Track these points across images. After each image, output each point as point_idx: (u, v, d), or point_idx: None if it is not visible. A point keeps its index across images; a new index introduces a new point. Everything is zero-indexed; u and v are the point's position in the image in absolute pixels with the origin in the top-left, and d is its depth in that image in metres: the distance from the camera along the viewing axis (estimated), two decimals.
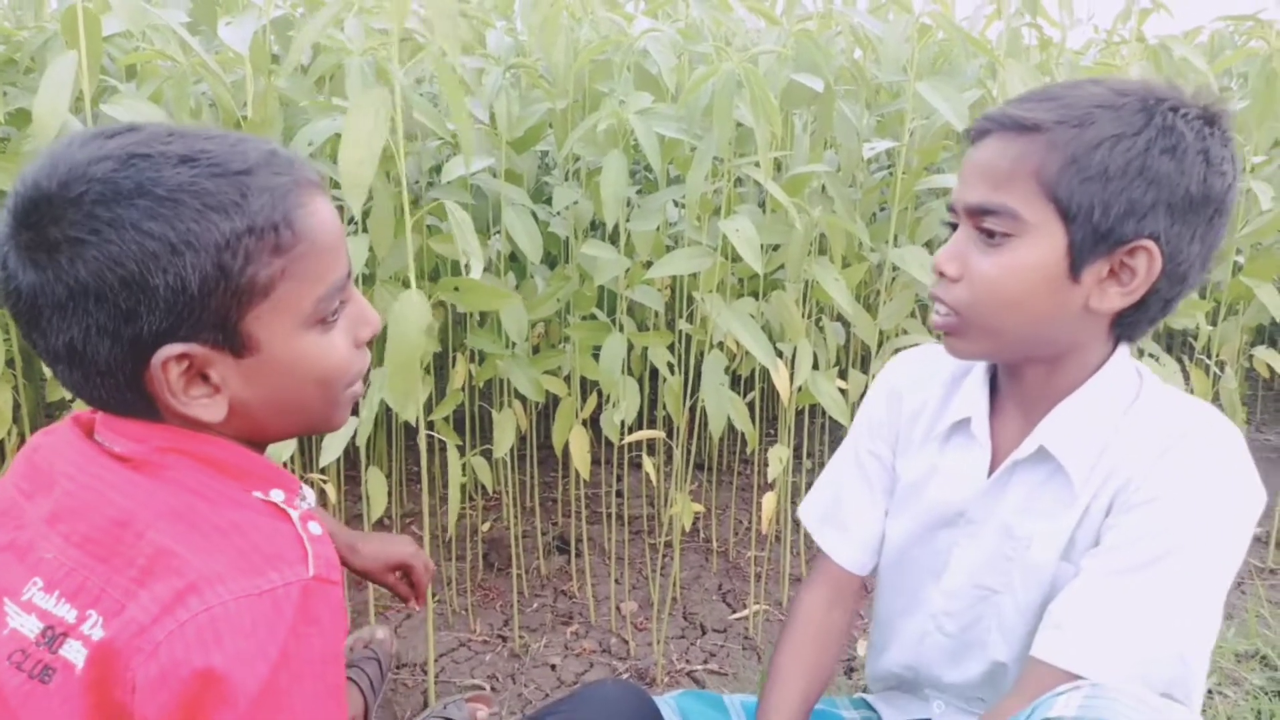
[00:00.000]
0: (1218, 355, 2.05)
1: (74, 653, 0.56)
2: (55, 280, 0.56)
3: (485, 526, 2.17)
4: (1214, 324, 2.04)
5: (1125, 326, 0.81)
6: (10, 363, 1.39)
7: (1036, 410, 0.84)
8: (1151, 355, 1.84)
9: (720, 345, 1.75)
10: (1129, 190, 0.73)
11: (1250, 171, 1.91)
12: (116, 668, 0.54)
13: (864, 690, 1.13)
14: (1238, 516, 0.76)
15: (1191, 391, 1.96)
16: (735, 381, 2.35)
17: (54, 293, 0.56)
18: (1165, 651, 0.75)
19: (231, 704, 0.53)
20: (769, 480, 1.61)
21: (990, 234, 0.78)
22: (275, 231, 0.59)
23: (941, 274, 0.81)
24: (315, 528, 0.62)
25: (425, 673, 1.63)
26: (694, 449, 1.82)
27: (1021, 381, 0.86)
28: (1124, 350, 0.83)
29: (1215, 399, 2.04)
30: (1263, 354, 2.05)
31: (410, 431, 2.27)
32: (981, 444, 0.88)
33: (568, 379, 1.69)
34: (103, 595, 0.56)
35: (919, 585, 0.95)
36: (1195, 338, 2.13)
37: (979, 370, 0.91)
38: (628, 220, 1.52)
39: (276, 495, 0.63)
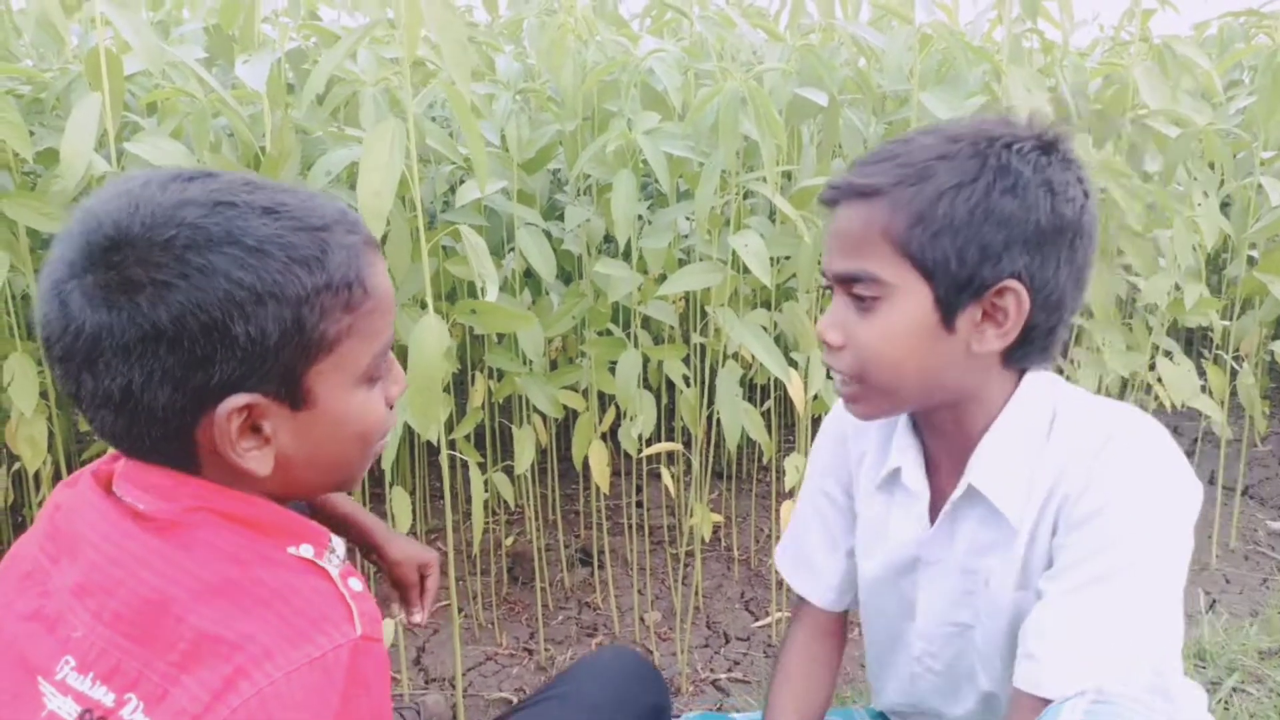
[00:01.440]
0: (1234, 351, 2.05)
1: None
2: (129, 322, 0.55)
3: (509, 541, 2.20)
4: (1232, 319, 2.04)
5: (1016, 359, 0.81)
6: (44, 394, 1.43)
7: (961, 451, 0.85)
8: (1167, 353, 1.84)
9: (735, 356, 1.77)
10: (979, 236, 0.74)
11: (1261, 166, 1.92)
12: None
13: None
14: (1176, 514, 0.77)
15: (1207, 388, 1.96)
16: (752, 390, 2.37)
17: (123, 335, 0.55)
18: (1135, 663, 0.76)
19: None
20: (787, 488, 1.63)
21: (860, 298, 0.79)
22: (349, 289, 0.60)
23: (826, 344, 0.83)
24: (356, 584, 0.61)
25: (453, 687, 1.65)
26: (712, 458, 1.84)
27: (937, 428, 0.87)
28: (1030, 379, 0.83)
29: (1232, 395, 2.04)
30: None
31: (432, 448, 2.30)
32: (915, 493, 0.89)
33: (585, 393, 1.72)
34: (141, 678, 0.55)
35: (897, 628, 0.96)
36: (1213, 333, 2.14)
37: (903, 420, 0.91)
38: (640, 237, 1.55)
39: (306, 550, 0.62)
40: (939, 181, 0.75)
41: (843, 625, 1.05)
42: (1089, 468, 0.77)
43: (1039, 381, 0.83)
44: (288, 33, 1.51)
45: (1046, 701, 0.76)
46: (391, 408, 0.69)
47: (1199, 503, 0.79)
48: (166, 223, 0.56)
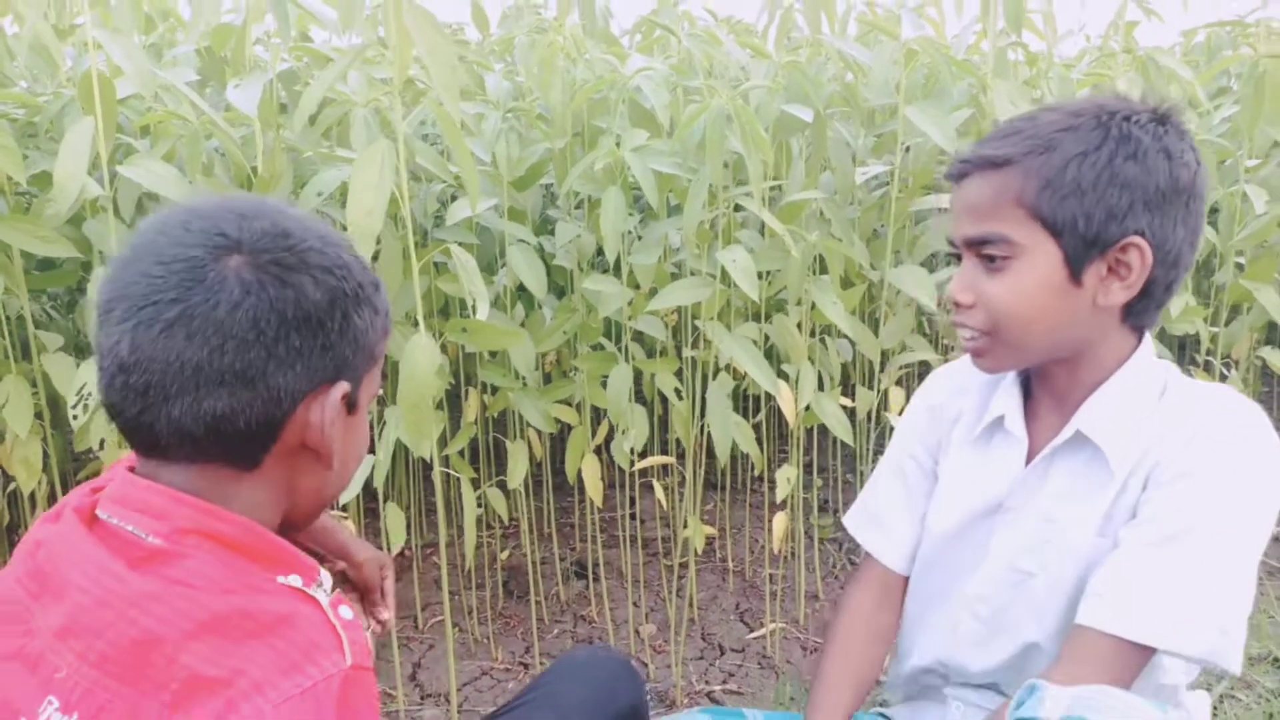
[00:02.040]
0: (1222, 356, 2.06)
1: None
2: (293, 300, 0.61)
3: (504, 555, 2.21)
4: (1224, 325, 2.05)
5: (1136, 314, 0.87)
6: (39, 415, 1.44)
7: (1068, 403, 0.90)
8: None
9: (727, 368, 1.79)
10: (1105, 198, 0.81)
11: (1245, 174, 1.93)
12: None
13: (881, 704, 1.16)
14: (1264, 489, 0.82)
15: None
16: (745, 401, 2.38)
17: (281, 311, 0.60)
18: (1202, 618, 0.79)
19: None
20: (779, 499, 1.64)
21: (991, 259, 0.86)
22: (388, 317, 0.70)
23: (958, 304, 0.89)
24: (346, 612, 0.62)
25: (449, 702, 1.66)
26: (705, 470, 1.85)
27: (1050, 380, 0.92)
28: (1148, 343, 0.89)
29: None
30: (1270, 355, 2.06)
31: (426, 464, 2.31)
32: (1017, 438, 0.94)
33: (579, 407, 1.73)
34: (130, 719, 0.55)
35: (955, 578, 0.99)
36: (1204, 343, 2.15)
37: (1010, 375, 0.97)
38: (630, 253, 1.56)
39: (294, 580, 0.63)
40: (1066, 150, 0.81)
41: (903, 593, 1.06)
42: (1188, 437, 0.82)
43: (1154, 355, 0.89)
44: (279, 54, 1.53)
45: (1106, 636, 0.79)
46: None
47: None
48: (313, 225, 0.65)
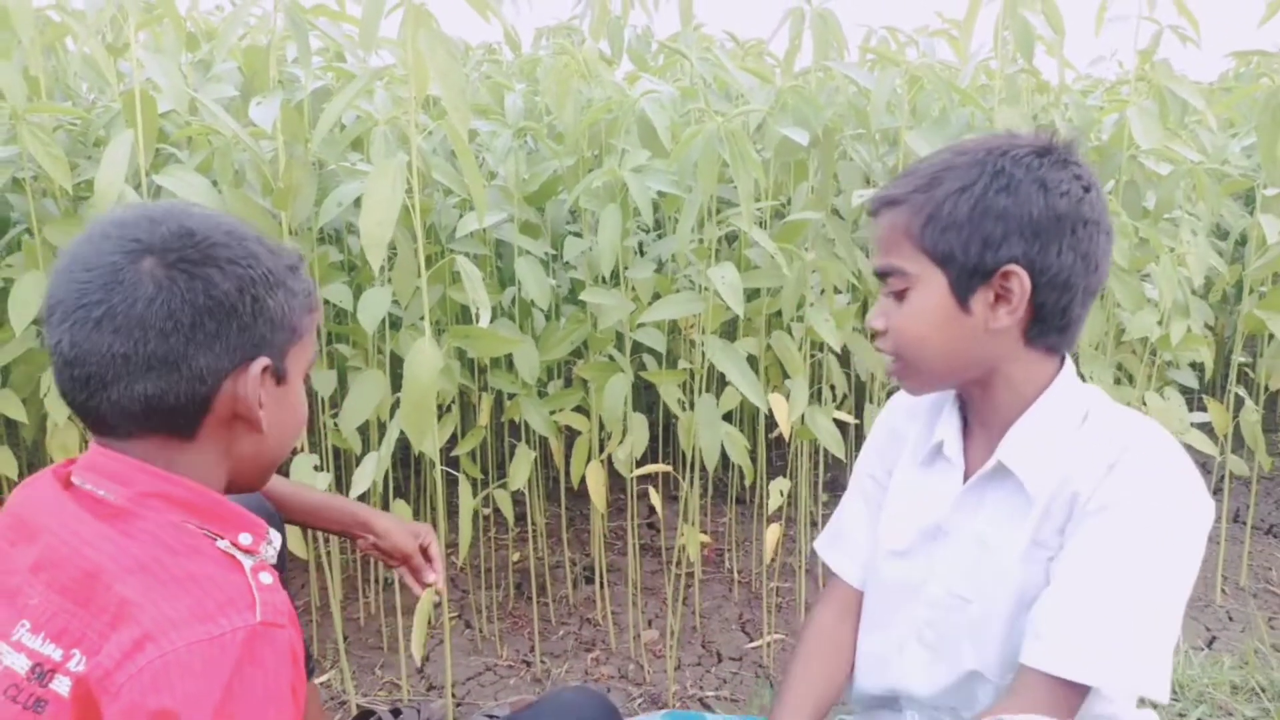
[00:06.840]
0: (1250, 386, 2.05)
1: (63, 686, 0.64)
2: (202, 290, 0.68)
3: (515, 557, 2.28)
4: (1238, 352, 2.04)
5: (1037, 336, 0.90)
6: None
7: (993, 427, 0.94)
8: (1169, 383, 1.85)
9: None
10: (980, 229, 0.86)
11: (1263, 204, 1.93)
12: (93, 703, 0.63)
13: (846, 713, 1.19)
14: (1181, 518, 0.84)
15: (1210, 425, 1.96)
16: (755, 416, 2.42)
17: (192, 301, 0.68)
18: (1131, 653, 0.82)
19: None
20: (772, 509, 1.68)
21: (895, 291, 0.92)
22: (310, 296, 0.78)
23: (874, 331, 0.95)
24: (266, 578, 0.69)
25: (452, 695, 1.73)
26: (720, 481, 1.89)
27: (973, 404, 0.97)
28: (1069, 370, 0.93)
29: (1235, 430, 2.04)
30: None
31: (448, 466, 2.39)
32: (954, 463, 0.98)
33: (589, 415, 1.79)
34: (84, 637, 0.64)
35: (902, 601, 1.02)
36: (1250, 370, 2.15)
37: (950, 400, 1.01)
38: (630, 266, 1.62)
39: (245, 539, 0.71)
40: (946, 187, 0.88)
41: None
42: (1105, 470, 0.86)
43: (1078, 382, 0.93)
44: (311, 73, 1.63)
45: (1048, 677, 0.83)
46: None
47: (1210, 518, 0.86)
48: (221, 222, 0.72)
